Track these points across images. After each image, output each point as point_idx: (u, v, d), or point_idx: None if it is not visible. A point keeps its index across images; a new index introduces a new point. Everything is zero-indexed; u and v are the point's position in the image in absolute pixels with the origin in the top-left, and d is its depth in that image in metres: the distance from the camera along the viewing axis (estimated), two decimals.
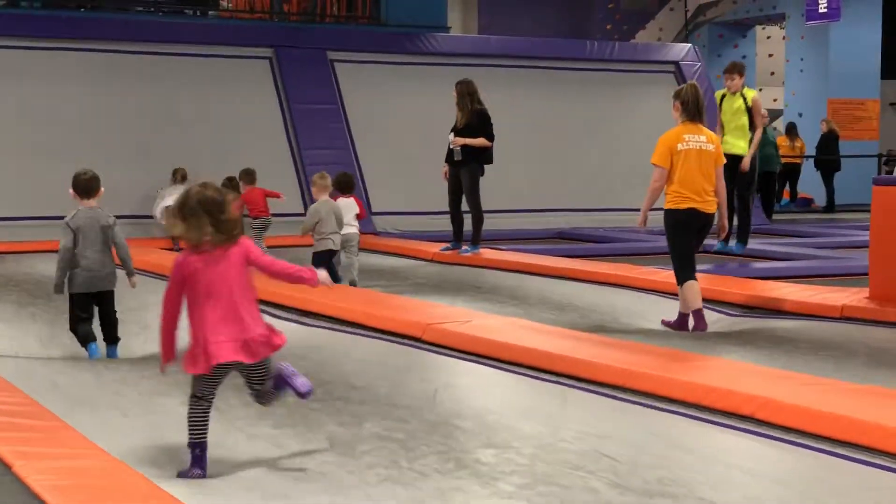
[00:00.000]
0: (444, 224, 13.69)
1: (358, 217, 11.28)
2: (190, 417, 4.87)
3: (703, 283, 9.06)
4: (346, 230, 10.94)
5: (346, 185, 11.44)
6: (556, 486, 4.55)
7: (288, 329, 8.64)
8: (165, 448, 5.18)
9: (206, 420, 4.86)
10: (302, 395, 5.02)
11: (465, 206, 13.09)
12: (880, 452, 5.05)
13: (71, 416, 5.49)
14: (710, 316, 9.01)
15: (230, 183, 13.32)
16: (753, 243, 14.79)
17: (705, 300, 8.99)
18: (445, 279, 11.86)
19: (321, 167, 15.40)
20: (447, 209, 13.29)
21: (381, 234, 15.72)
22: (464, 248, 13.20)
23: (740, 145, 12.95)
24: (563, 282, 11.07)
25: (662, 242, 14.78)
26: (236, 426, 5.63)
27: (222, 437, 5.38)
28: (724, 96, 13.32)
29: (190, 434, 4.85)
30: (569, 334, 7.80)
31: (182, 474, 4.79)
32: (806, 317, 9.04)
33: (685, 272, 8.70)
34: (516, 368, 6.99)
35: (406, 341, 7.96)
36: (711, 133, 8.89)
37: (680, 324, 8.77)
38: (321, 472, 4.88)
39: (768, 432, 5.44)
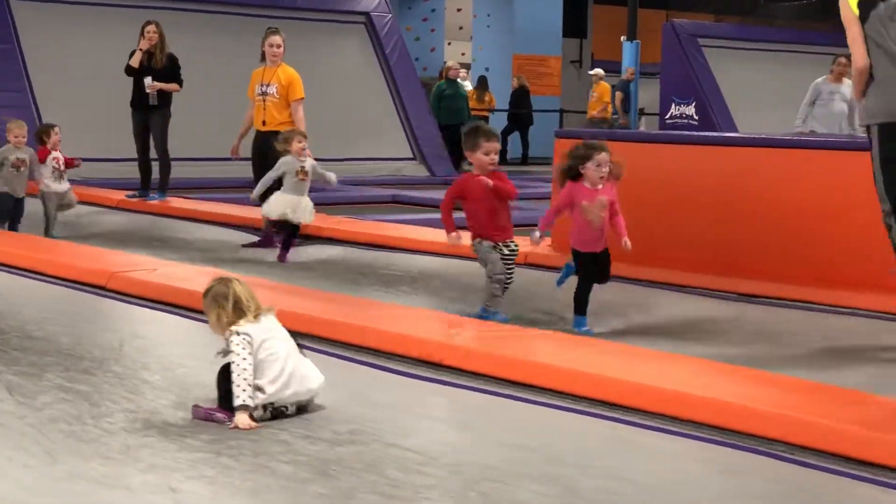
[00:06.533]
0: (131, 171, 13.30)
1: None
2: None
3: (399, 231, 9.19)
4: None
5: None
6: (246, 440, 4.50)
7: None
8: None
9: None
10: None
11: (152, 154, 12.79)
12: (553, 392, 5.25)
13: None
14: (410, 262, 9.13)
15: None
16: (442, 193, 15.08)
17: (406, 248, 9.70)
18: (132, 227, 11.55)
19: None
20: (134, 156, 12.95)
21: None
22: (151, 195, 12.90)
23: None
24: (251, 232, 10.95)
25: (352, 192, 14.95)
26: None
27: None
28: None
29: None
30: (258, 283, 7.71)
31: None
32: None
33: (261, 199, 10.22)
34: (204, 318, 6.85)
35: (90, 290, 7.70)
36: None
37: (265, 242, 10.30)
38: None
39: (454, 380, 5.56)
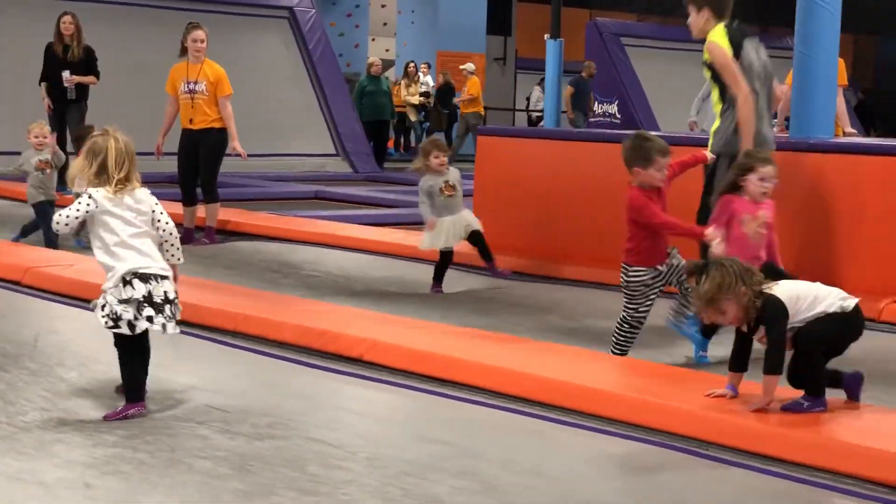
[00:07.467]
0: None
1: None
2: None
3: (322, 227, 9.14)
4: None
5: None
6: (164, 434, 4.47)
7: None
8: None
9: None
10: None
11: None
12: (479, 389, 5.26)
13: None
14: (334, 258, 9.10)
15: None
16: (365, 190, 15.09)
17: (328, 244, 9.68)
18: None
19: None
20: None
21: None
22: (68, 190, 12.71)
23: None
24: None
25: (275, 188, 14.87)
26: None
27: None
28: None
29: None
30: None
31: None
32: (413, 261, 9.28)
33: (183, 196, 10.36)
34: None
35: (4, 285, 7.58)
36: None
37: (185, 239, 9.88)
38: None
39: (375, 375, 5.57)
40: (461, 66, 23.06)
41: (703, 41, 6.66)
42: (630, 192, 6.00)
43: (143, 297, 4.71)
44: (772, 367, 4.64)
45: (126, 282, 4.69)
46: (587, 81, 21.46)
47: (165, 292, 4.78)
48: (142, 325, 4.72)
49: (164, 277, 4.79)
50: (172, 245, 4.97)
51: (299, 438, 4.49)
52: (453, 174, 8.37)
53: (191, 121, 10.15)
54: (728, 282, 4.65)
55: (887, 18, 30.87)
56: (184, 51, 10.27)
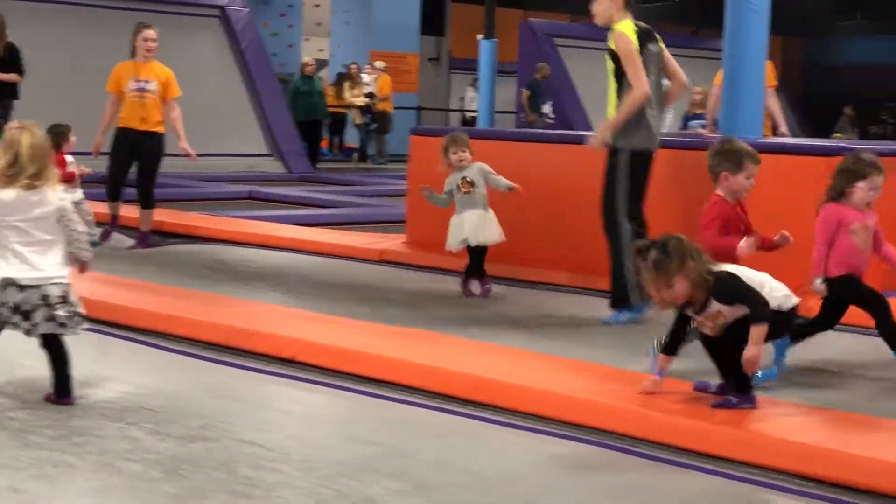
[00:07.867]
0: None
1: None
2: None
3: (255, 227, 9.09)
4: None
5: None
6: (92, 436, 4.42)
7: None
8: None
9: None
10: None
11: None
12: (413, 389, 5.26)
13: None
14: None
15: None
16: (298, 190, 15.04)
17: (262, 245, 9.14)
18: None
19: None
20: None
21: None
22: None
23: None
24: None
25: (208, 188, 14.77)
26: None
27: None
28: None
29: None
30: (107, 279, 7.56)
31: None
32: (347, 261, 9.26)
33: (111, 192, 10.18)
34: None
35: None
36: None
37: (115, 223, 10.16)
38: None
39: (308, 376, 5.54)
40: (374, 63, 23.11)
41: None
42: (711, 199, 5.77)
43: (14, 305, 4.76)
44: (761, 317, 4.69)
45: (4, 285, 4.77)
46: (541, 83, 21.52)
47: (45, 297, 4.77)
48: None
49: (47, 285, 4.79)
50: (78, 243, 4.92)
51: (231, 440, 4.46)
52: (473, 170, 7.99)
53: (142, 119, 9.95)
54: (676, 252, 4.66)
55: (815, 21, 31.32)
56: (133, 51, 10.11)
